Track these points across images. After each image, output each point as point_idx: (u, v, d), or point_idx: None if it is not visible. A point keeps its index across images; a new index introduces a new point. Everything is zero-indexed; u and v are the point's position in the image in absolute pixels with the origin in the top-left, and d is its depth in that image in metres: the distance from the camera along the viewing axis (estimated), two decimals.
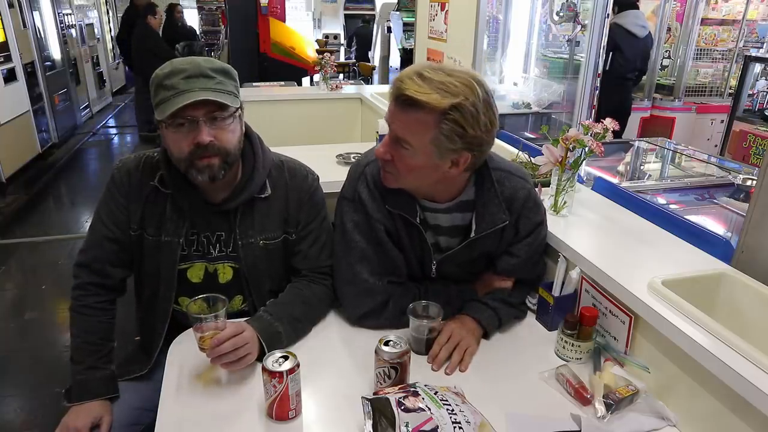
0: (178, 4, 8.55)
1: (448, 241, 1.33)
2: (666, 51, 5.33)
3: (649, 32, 4.75)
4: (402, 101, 1.09)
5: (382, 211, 1.27)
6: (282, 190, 1.34)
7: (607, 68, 4.00)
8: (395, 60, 8.31)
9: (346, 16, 10.73)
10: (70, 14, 6.93)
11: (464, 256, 1.32)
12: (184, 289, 1.32)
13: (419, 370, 1.15)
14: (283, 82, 4.45)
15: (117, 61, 9.19)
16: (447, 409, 0.91)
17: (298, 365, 1.00)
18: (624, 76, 4.47)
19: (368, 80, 8.63)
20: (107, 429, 1.23)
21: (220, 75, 1.16)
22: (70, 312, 1.31)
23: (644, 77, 5.03)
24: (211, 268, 1.32)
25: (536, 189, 1.36)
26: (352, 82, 5.87)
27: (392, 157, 1.16)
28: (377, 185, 1.26)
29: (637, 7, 4.59)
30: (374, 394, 0.96)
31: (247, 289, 1.35)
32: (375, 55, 9.45)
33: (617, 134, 3.43)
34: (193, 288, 1.31)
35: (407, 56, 7.36)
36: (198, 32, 9.95)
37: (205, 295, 1.16)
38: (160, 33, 7.49)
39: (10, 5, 4.93)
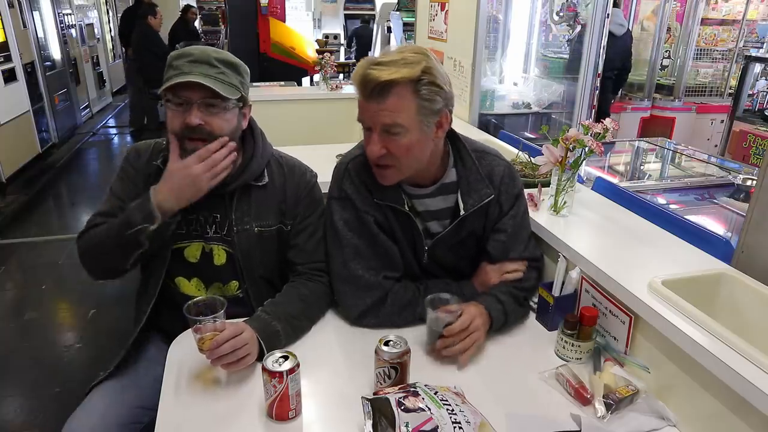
0: (193, 6, 8.57)
1: (437, 225, 1.35)
2: (666, 51, 5.33)
3: (628, 30, 4.71)
4: (379, 89, 1.14)
5: (371, 204, 1.29)
6: (280, 182, 1.38)
7: None
8: None
9: (346, 16, 10.70)
10: (70, 14, 6.92)
11: (454, 238, 1.35)
12: (181, 268, 1.35)
13: (419, 370, 1.15)
14: (283, 82, 4.45)
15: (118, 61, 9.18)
16: (447, 409, 0.91)
17: (298, 365, 1.00)
18: (602, 75, 4.46)
19: None
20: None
21: (225, 66, 1.22)
22: (80, 239, 1.29)
23: (629, 75, 5.00)
24: (207, 248, 1.35)
25: (513, 166, 1.42)
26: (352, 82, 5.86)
27: (387, 149, 1.18)
28: (362, 180, 1.30)
29: (617, 5, 4.55)
30: (374, 394, 0.96)
31: (240, 274, 1.37)
32: (375, 55, 9.42)
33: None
34: (190, 267, 1.35)
35: None
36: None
37: (204, 297, 1.17)
38: (173, 33, 7.51)
39: (10, 5, 4.93)
